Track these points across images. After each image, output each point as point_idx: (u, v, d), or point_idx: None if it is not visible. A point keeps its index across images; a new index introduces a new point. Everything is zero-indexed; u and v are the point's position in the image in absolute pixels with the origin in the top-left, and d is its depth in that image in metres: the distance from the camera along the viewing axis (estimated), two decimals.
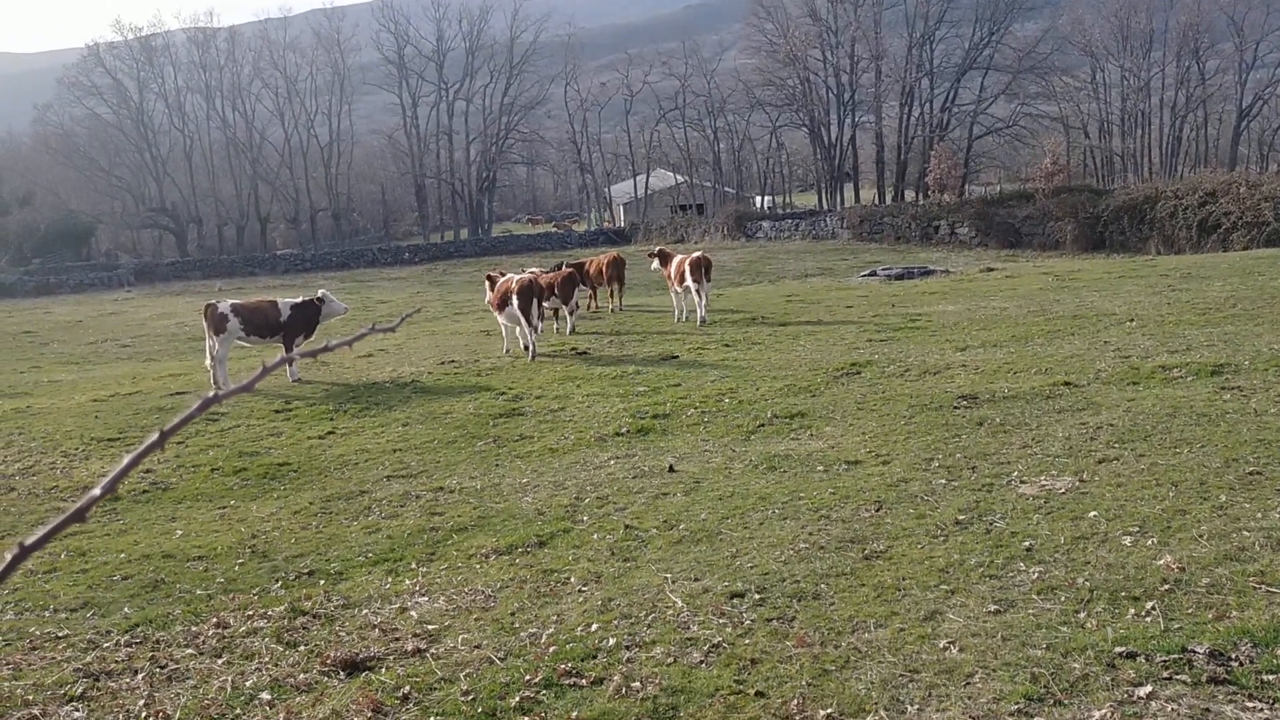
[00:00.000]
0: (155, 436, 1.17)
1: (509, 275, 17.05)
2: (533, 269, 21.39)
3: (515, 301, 15.95)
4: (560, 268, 21.26)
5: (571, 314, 19.42)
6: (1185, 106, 74.90)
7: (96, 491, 1.13)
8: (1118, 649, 4.71)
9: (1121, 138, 76.02)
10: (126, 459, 1.16)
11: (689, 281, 18.77)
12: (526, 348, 16.15)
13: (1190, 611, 5.07)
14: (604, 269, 22.98)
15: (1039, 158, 51.33)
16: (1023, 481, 7.48)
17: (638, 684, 4.88)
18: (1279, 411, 8.70)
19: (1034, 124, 72.30)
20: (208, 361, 15.34)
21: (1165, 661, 4.58)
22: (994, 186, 62.41)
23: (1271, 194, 32.16)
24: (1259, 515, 6.27)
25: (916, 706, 4.46)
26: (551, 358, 15.81)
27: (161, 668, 5.57)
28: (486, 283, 17.61)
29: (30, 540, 1.11)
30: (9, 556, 1.12)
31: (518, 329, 16.64)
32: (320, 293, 16.07)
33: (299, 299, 15.93)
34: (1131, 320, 14.64)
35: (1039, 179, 45.94)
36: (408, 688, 5.06)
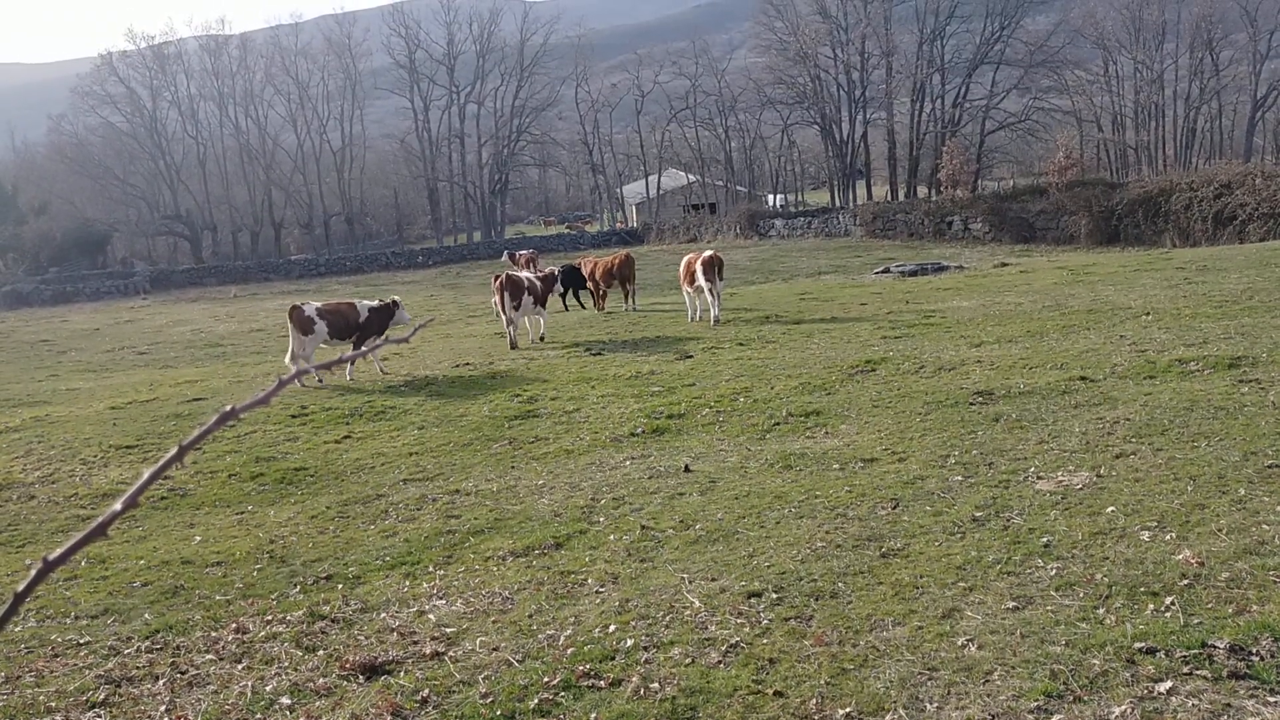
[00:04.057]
0: (174, 451, 1.19)
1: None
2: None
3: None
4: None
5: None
6: (1199, 98, 74.52)
7: (118, 507, 1.14)
8: (1137, 645, 4.69)
9: (1135, 130, 75.67)
10: (146, 474, 1.18)
11: (700, 280, 18.74)
12: (513, 343, 17.90)
13: (1210, 606, 5.04)
14: (614, 269, 23.06)
15: (1052, 152, 51.08)
16: (1040, 477, 7.44)
17: (656, 685, 4.88)
18: None
19: (1046, 118, 72.10)
20: (287, 359, 16.24)
21: (1185, 657, 4.56)
22: (1007, 181, 62.28)
23: None
24: (1278, 509, 6.23)
25: (935, 704, 4.45)
26: (565, 358, 15.85)
27: (182, 673, 5.61)
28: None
29: (53, 555, 1.12)
30: (34, 572, 1.14)
31: (527, 321, 18.62)
32: (394, 298, 17.26)
33: (375, 302, 16.86)
34: (1147, 314, 14.56)
35: (1052, 173, 45.78)
36: (426, 691, 5.07)
